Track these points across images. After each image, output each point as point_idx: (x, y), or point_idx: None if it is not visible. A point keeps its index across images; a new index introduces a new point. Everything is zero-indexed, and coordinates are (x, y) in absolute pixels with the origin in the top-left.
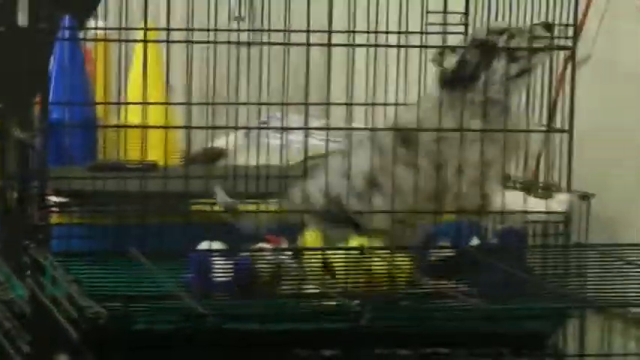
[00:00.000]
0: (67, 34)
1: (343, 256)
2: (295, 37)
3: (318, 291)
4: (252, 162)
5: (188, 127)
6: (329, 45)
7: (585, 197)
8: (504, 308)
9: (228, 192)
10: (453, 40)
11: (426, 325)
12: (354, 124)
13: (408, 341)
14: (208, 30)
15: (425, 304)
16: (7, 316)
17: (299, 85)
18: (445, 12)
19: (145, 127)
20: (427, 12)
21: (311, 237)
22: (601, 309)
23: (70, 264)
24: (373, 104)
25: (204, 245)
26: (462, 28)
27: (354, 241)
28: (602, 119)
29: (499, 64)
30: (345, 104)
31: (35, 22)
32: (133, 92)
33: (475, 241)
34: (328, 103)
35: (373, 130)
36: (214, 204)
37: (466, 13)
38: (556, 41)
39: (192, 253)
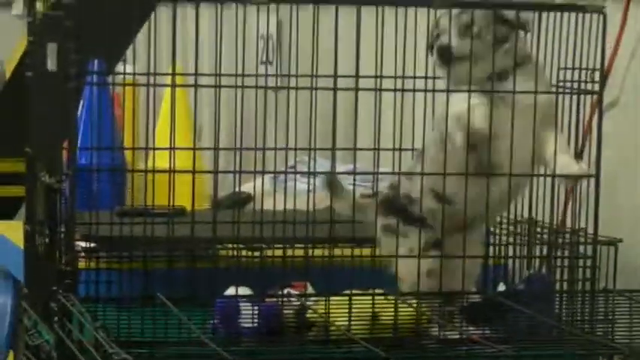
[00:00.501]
0: (95, 78)
1: (370, 301)
2: (322, 82)
3: (345, 337)
4: (279, 207)
5: (215, 172)
6: (356, 89)
7: (613, 243)
8: (532, 354)
9: (254, 236)
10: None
11: None
12: (382, 169)
13: None
14: (236, 75)
15: (452, 350)
16: None
17: (326, 130)
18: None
19: (172, 171)
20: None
21: None
22: (629, 355)
23: (97, 309)
24: (401, 149)
25: (230, 291)
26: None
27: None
28: (632, 164)
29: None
30: (373, 149)
31: (64, 66)
32: (161, 137)
33: (502, 287)
34: (355, 149)
35: (400, 174)
36: (242, 249)
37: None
38: (583, 85)
39: (218, 299)
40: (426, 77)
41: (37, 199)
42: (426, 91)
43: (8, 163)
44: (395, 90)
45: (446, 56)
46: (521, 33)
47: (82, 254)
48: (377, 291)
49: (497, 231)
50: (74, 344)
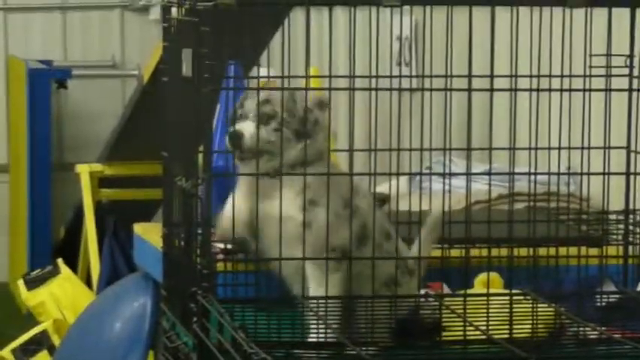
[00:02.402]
0: (231, 83)
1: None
2: (457, 82)
3: (483, 337)
4: (415, 208)
5: (351, 174)
6: (491, 90)
7: None
8: None
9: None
10: (618, 84)
11: None
12: (518, 169)
13: None
14: (370, 76)
15: (593, 350)
16: None
17: (461, 130)
18: (609, 54)
19: (305, 174)
20: (591, 55)
21: (483, 281)
22: None
23: (235, 311)
24: (537, 148)
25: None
26: (626, 71)
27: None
28: None
29: None
30: (508, 149)
31: (199, 72)
32: None
33: None
34: (491, 148)
35: (536, 174)
36: None
37: (631, 56)
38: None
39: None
40: (561, 76)
41: (173, 202)
42: (562, 90)
43: (147, 166)
44: (530, 90)
45: (236, 144)
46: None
47: (220, 256)
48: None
49: (638, 230)
50: (213, 346)
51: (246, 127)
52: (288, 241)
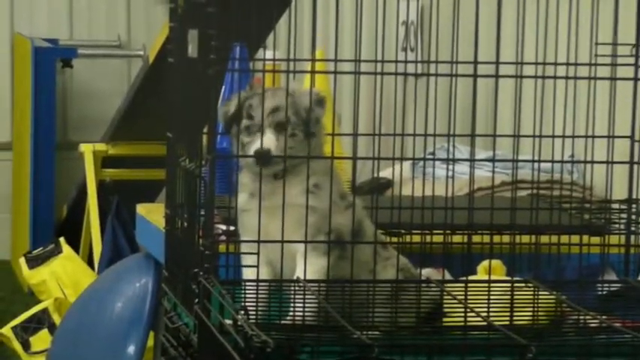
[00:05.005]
0: (236, 64)
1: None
2: (462, 68)
3: (484, 324)
4: (418, 193)
5: (354, 158)
6: (496, 76)
7: None
8: None
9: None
10: (623, 73)
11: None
12: (521, 156)
13: None
14: (375, 61)
15: (594, 338)
16: (172, 343)
17: (466, 116)
18: (615, 44)
19: (310, 157)
20: (596, 43)
21: (485, 268)
22: None
23: (237, 292)
24: (541, 136)
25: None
26: (632, 60)
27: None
28: None
29: None
30: (512, 136)
31: (205, 53)
32: None
33: None
34: (495, 135)
35: (540, 162)
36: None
37: (637, 45)
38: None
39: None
40: (567, 64)
41: (177, 183)
42: (567, 78)
43: (150, 147)
44: (536, 77)
45: (265, 162)
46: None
47: (222, 237)
48: (516, 278)
49: None
50: (214, 327)
51: (268, 142)
52: (292, 226)
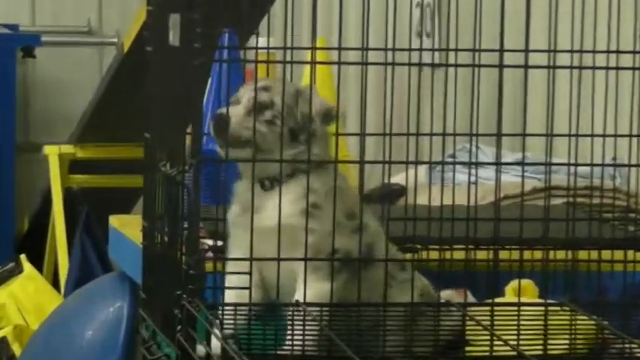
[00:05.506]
0: (225, 54)
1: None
2: (486, 58)
3: (513, 353)
4: (436, 202)
5: (361, 162)
6: (525, 67)
7: None
8: None
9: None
10: None
11: None
12: (555, 159)
13: None
14: (386, 49)
15: None
16: None
17: (490, 113)
18: None
19: (310, 161)
20: None
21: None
22: None
23: (226, 318)
24: (577, 135)
25: None
26: None
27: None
28: None
29: None
30: (545, 135)
31: (189, 40)
32: None
33: None
34: (524, 134)
35: (576, 165)
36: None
37: None
38: None
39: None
40: (607, 51)
41: (156, 190)
42: (607, 68)
43: (125, 149)
44: (571, 67)
45: (220, 129)
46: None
47: (210, 254)
48: (549, 300)
49: None
50: (199, 358)
51: (235, 112)
52: (287, 248)
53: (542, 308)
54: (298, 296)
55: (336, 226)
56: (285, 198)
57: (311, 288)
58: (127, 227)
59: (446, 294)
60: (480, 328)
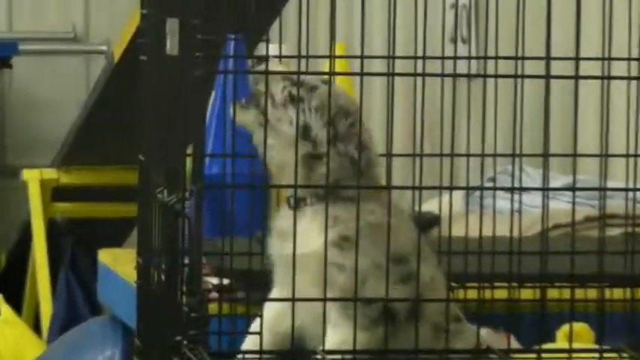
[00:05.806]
0: (230, 64)
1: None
2: (530, 67)
3: None
4: (474, 233)
5: (389, 187)
6: (576, 77)
7: None
8: None
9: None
10: None
11: None
12: (611, 183)
13: None
14: (415, 57)
15: None
16: None
17: (536, 130)
18: None
19: (331, 187)
20: None
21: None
22: None
23: None
24: (637, 155)
25: None
26: None
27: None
28: None
29: None
30: (599, 155)
31: (189, 49)
32: None
33: None
34: (575, 155)
35: (635, 190)
36: None
37: None
38: None
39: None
40: None
41: (152, 221)
42: None
43: (116, 173)
44: (629, 78)
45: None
46: None
47: (214, 294)
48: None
49: None
50: None
51: (275, 90)
52: (316, 284)
53: (599, 355)
54: (329, 344)
55: (373, 269)
56: (315, 223)
57: (337, 334)
58: (119, 263)
59: (485, 336)
60: None
